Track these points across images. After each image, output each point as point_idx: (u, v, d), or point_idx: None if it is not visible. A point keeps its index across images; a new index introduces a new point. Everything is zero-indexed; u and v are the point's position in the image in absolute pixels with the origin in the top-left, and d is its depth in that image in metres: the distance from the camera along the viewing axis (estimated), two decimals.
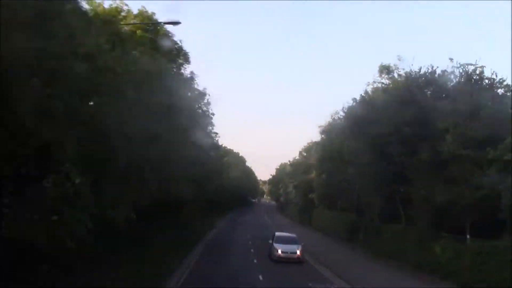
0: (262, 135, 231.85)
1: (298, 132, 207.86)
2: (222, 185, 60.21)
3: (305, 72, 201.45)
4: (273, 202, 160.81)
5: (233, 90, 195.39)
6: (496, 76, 21.37)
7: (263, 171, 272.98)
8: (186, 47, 24.83)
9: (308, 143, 57.88)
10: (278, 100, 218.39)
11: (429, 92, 24.24)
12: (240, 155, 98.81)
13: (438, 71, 23.80)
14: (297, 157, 63.24)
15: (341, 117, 34.40)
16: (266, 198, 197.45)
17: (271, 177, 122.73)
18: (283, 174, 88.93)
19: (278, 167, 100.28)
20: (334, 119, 38.27)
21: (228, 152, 77.72)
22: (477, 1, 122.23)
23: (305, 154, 59.67)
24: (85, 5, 14.24)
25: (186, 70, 25.98)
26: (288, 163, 65.62)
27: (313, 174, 46.86)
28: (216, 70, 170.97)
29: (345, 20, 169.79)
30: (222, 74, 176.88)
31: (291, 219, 67.46)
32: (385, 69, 27.11)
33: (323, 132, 39.68)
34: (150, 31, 21.49)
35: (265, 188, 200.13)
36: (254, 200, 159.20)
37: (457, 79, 22.45)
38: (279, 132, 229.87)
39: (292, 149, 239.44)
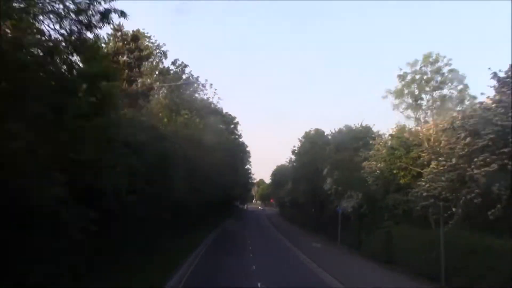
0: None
1: (291, 136, 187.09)
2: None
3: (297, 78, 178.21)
4: (267, 208, 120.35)
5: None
6: None
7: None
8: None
9: None
10: (273, 101, 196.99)
11: None
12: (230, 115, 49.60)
13: None
14: None
15: None
16: (256, 204, 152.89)
17: (275, 168, 72.95)
18: (323, 155, 38.84)
19: (302, 138, 49.03)
20: None
21: None
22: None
23: None
24: None
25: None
26: None
27: None
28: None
29: (357, 22, 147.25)
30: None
31: (402, 269, 19.71)
32: None
33: None
34: None
35: (254, 191, 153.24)
36: (244, 206, 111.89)
37: None
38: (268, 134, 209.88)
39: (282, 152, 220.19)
